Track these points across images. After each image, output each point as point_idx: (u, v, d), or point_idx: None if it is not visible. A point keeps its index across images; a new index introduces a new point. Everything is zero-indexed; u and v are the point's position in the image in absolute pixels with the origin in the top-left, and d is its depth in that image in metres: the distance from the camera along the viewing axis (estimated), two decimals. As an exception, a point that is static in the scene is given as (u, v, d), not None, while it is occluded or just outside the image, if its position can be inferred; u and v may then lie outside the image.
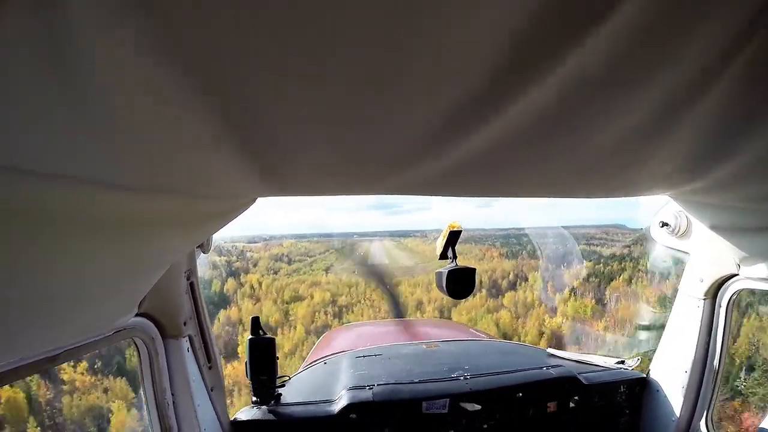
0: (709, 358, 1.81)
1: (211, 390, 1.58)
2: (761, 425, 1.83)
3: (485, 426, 1.85)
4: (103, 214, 0.67)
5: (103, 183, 0.61)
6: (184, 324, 1.43)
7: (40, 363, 0.92)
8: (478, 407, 1.79)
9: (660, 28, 0.47)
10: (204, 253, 1.52)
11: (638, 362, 2.13)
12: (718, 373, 1.81)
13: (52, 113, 0.42)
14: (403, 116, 0.59)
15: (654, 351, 2.06)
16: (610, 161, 0.91)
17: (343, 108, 0.56)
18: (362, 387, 1.84)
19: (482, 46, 0.45)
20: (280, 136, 0.64)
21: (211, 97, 0.49)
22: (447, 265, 1.48)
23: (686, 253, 1.82)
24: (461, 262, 1.50)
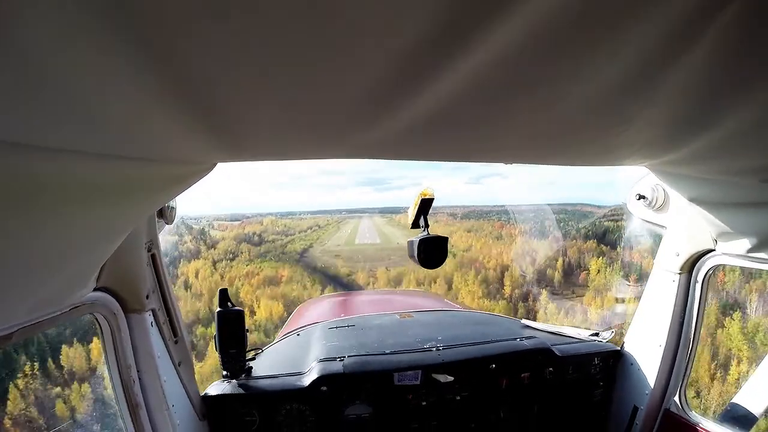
0: (683, 333, 1.83)
1: (179, 365, 1.55)
2: (732, 400, 1.85)
3: (458, 397, 1.85)
4: (52, 181, 0.63)
5: (50, 148, 0.57)
6: (147, 297, 1.39)
7: None
8: (450, 378, 1.79)
9: None
10: (167, 223, 1.47)
11: (612, 335, 2.14)
12: (692, 347, 1.82)
13: None
14: (352, 72, 0.55)
15: (628, 324, 2.07)
16: (584, 125, 0.87)
17: (289, 66, 0.52)
18: (333, 359, 1.83)
19: None
20: (231, 100, 0.60)
21: (162, 63, 0.46)
22: (419, 234, 1.45)
23: (663, 227, 1.80)
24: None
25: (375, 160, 1.08)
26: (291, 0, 0.39)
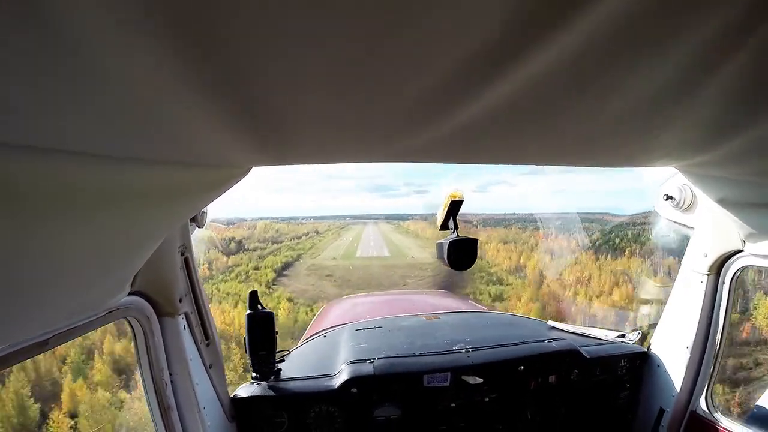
0: (710, 335, 1.81)
1: (210, 367, 1.56)
2: (758, 403, 1.84)
3: (486, 399, 1.85)
4: (93, 188, 0.63)
5: (92, 155, 0.58)
6: (180, 301, 1.40)
7: (29, 349, 0.89)
8: (479, 380, 1.79)
9: None
10: (199, 227, 1.48)
11: (639, 336, 2.13)
12: (719, 349, 1.80)
13: (36, 82, 0.38)
14: (411, 76, 0.54)
15: (654, 325, 2.06)
16: (622, 129, 0.87)
17: (343, 73, 0.52)
18: (363, 361, 1.83)
19: None
20: (277, 104, 0.60)
21: (207, 65, 0.45)
22: (448, 236, 1.45)
23: (690, 227, 1.79)
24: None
25: (417, 163, 1.08)
26: (357, 2, 0.38)
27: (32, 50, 0.33)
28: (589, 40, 0.49)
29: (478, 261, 1.45)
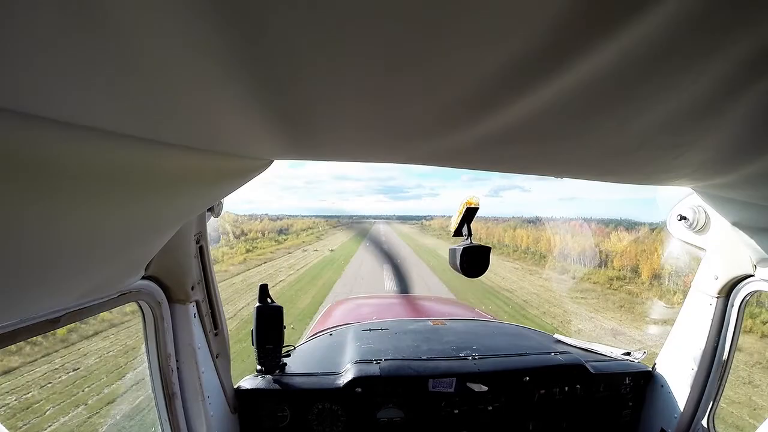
0: (717, 357, 1.79)
1: (216, 357, 1.57)
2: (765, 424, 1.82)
3: (490, 408, 1.84)
4: (119, 169, 0.64)
5: (119, 135, 0.58)
6: (192, 289, 1.41)
7: (40, 326, 0.89)
8: (484, 388, 1.78)
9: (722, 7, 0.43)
10: (214, 216, 1.50)
11: (644, 355, 2.11)
12: (724, 373, 1.79)
13: (66, 52, 0.37)
14: (447, 80, 0.54)
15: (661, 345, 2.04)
16: (647, 146, 0.87)
17: (378, 78, 0.52)
18: (369, 361, 1.83)
19: None
20: (309, 102, 0.61)
21: (245, 54, 0.45)
22: (461, 242, 1.45)
23: (702, 249, 1.78)
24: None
25: (439, 167, 1.09)
26: (395, 7, 0.37)
27: (68, 17, 0.32)
28: (624, 57, 0.49)
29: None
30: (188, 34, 0.40)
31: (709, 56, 0.52)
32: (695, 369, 1.81)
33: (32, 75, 0.38)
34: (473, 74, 0.53)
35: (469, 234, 1.47)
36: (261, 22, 0.40)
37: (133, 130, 0.59)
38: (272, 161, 1.12)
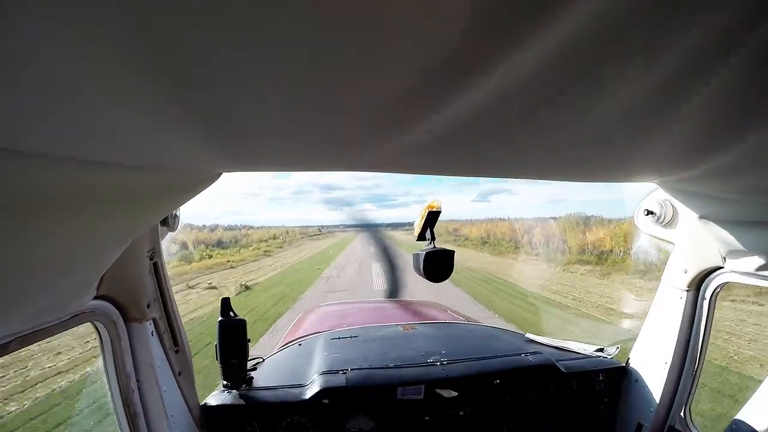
0: (690, 351, 1.80)
1: (179, 374, 1.53)
2: (736, 417, 1.83)
3: (461, 413, 1.82)
4: (56, 189, 0.62)
5: (55, 157, 0.56)
6: (148, 306, 1.37)
7: None
8: (454, 394, 1.76)
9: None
10: (170, 231, 1.46)
11: (617, 350, 2.12)
12: (698, 365, 1.80)
13: None
14: (372, 84, 0.52)
15: (634, 340, 2.04)
16: (603, 141, 0.85)
17: (303, 75, 0.49)
18: (335, 372, 1.80)
19: None
20: (240, 111, 0.58)
21: (172, 69, 0.43)
22: (425, 247, 1.43)
23: (671, 243, 1.78)
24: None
25: (385, 173, 1.06)
26: (310, 4, 0.36)
27: None
28: (563, 48, 0.46)
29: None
30: (108, 59, 0.39)
31: (664, 42, 0.48)
32: (669, 363, 1.81)
33: None
34: (401, 73, 0.50)
35: (432, 238, 1.45)
36: (174, 39, 0.38)
37: (67, 152, 0.58)
38: (220, 174, 1.08)
